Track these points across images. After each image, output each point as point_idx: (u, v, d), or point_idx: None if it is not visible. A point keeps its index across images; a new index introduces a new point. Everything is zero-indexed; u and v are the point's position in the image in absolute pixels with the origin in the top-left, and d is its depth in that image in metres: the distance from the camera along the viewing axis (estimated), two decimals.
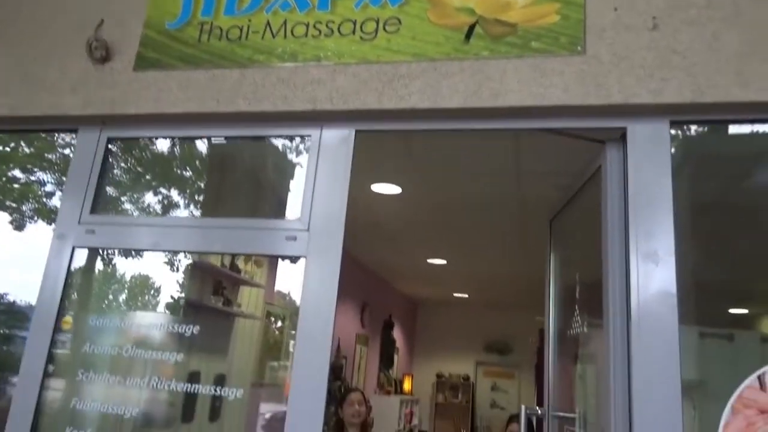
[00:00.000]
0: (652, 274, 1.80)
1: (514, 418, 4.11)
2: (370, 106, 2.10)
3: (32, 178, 3.32)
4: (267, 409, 4.88)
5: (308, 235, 2.12)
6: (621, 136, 1.99)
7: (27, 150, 3.22)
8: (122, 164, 2.74)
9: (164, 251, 2.46)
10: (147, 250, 2.42)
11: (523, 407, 2.56)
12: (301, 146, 2.37)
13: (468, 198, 4.44)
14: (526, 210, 4.54)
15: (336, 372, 6.06)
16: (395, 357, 9.45)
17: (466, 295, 9.47)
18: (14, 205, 3.30)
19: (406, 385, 9.30)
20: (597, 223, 2.07)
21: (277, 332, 5.08)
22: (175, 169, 2.99)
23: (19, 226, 3.26)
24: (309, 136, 2.24)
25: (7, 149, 3.23)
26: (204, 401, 3.48)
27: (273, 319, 5.04)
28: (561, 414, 2.60)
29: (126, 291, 2.76)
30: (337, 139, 2.19)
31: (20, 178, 3.33)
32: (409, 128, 2.18)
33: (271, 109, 2.21)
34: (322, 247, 2.09)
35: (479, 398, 10.68)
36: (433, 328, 11.09)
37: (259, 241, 2.23)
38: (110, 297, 2.78)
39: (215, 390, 4.12)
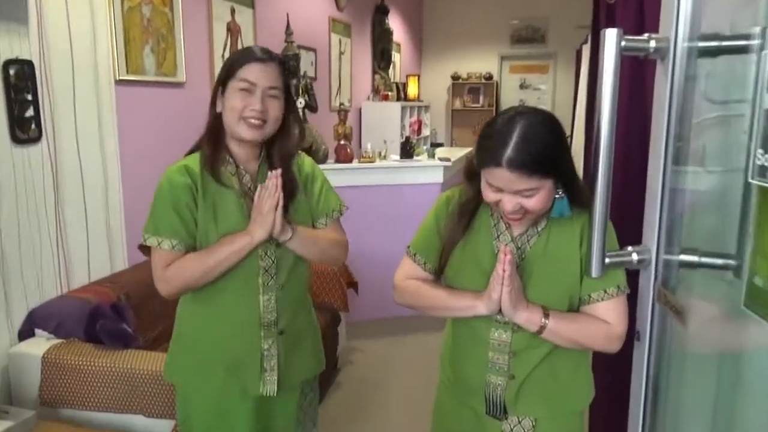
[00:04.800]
0: None
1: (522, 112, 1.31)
2: None
3: None
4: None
5: None
6: None
7: None
8: None
9: None
10: None
11: None
12: None
13: None
14: None
15: (291, 67, 4.08)
16: (396, 55, 7.39)
17: None
18: None
19: (411, 90, 7.41)
20: None
21: None
22: None
23: None
24: None
25: None
26: None
27: None
28: None
29: None
30: None
31: None
32: None
33: None
34: None
35: (505, 100, 8.86)
36: (444, 18, 8.80)
37: None
38: None
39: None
